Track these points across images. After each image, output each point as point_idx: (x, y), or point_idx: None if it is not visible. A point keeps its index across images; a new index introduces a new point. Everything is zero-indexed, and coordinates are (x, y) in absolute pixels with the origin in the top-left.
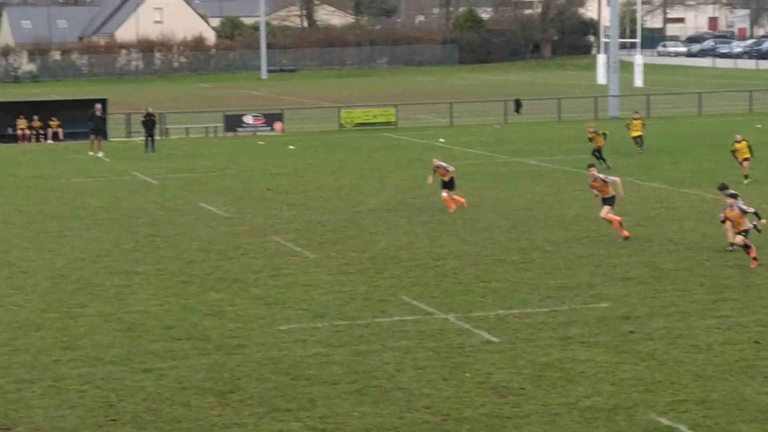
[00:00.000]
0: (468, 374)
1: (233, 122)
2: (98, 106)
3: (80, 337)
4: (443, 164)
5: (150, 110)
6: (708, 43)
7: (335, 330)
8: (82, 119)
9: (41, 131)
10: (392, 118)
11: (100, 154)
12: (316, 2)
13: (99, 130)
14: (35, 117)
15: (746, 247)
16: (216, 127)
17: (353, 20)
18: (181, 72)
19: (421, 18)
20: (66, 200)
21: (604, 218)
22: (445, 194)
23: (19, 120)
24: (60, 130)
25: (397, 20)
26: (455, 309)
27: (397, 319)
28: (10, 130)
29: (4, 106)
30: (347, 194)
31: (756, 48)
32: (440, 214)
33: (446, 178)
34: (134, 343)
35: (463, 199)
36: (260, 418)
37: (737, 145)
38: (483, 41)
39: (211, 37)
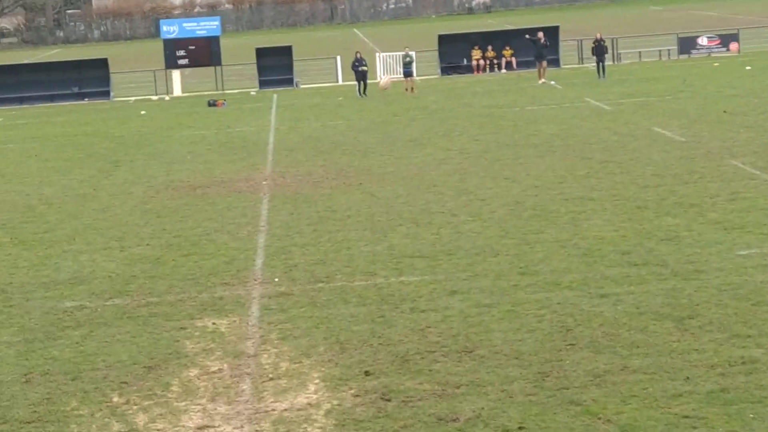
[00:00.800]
0: None
1: (687, 44)
2: (540, 34)
3: (536, 262)
4: None
5: (599, 36)
6: None
7: None
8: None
9: (495, 61)
10: None
11: (552, 82)
12: None
13: (542, 57)
14: (489, 47)
15: None
16: (669, 50)
17: None
18: None
19: None
20: (519, 128)
21: None
22: None
23: (473, 51)
24: (514, 60)
25: None
26: None
27: None
28: (465, 61)
29: (459, 38)
30: None
31: None
32: None
33: None
34: (590, 269)
35: None
36: (720, 345)
37: None
38: None
39: None
